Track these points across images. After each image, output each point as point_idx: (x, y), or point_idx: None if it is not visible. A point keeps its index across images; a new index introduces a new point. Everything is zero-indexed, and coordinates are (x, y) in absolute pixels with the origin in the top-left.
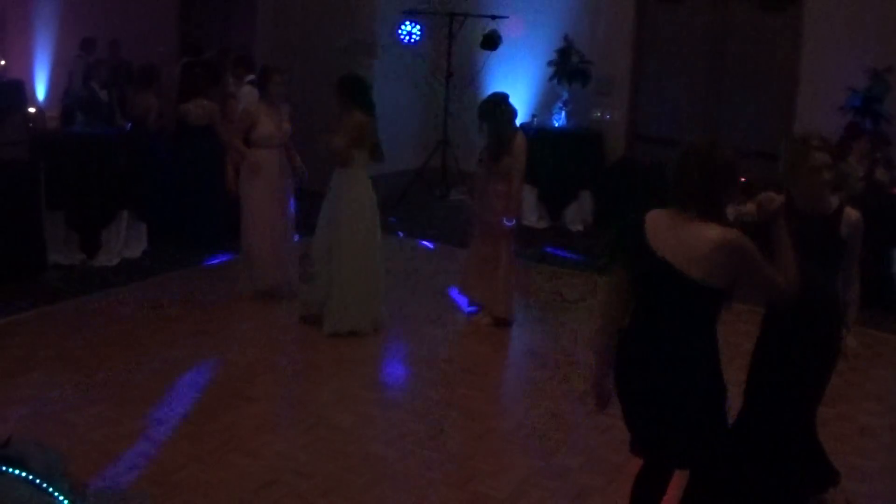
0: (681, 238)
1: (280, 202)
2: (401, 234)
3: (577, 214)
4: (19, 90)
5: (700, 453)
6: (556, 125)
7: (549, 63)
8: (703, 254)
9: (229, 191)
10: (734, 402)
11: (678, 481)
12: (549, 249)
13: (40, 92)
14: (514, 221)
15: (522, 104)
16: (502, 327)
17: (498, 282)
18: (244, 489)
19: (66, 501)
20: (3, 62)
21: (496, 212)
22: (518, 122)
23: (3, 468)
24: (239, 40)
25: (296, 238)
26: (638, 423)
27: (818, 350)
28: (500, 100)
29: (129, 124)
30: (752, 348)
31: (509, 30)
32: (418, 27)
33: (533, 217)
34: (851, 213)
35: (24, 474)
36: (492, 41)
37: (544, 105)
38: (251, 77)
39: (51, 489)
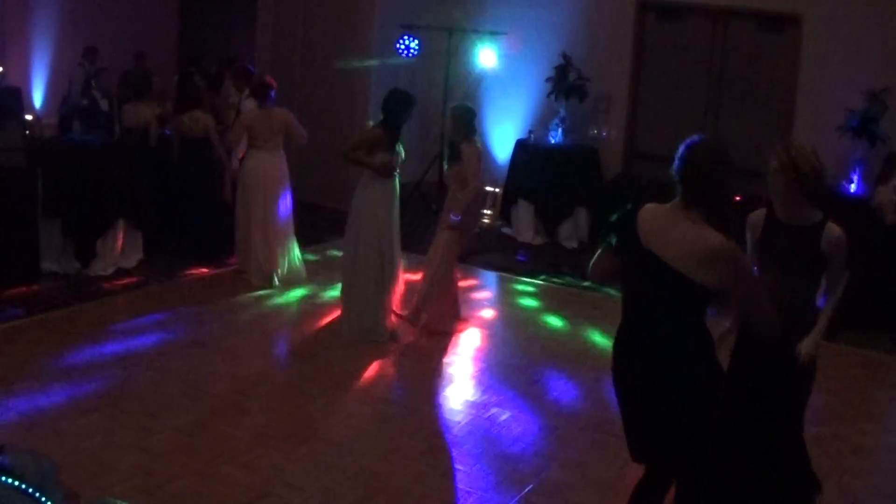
0: (677, 235)
1: None
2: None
3: (573, 231)
4: (17, 97)
5: (688, 453)
6: (553, 141)
7: (547, 79)
8: (697, 257)
9: (224, 201)
10: None
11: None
12: (542, 265)
13: (38, 99)
14: (458, 217)
15: (520, 120)
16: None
17: (425, 280)
18: (237, 501)
19: None
20: (1, 69)
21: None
22: (475, 135)
23: None
24: (238, 51)
25: None
26: (631, 422)
27: (793, 365)
28: (461, 113)
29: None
30: (728, 363)
31: (508, 46)
32: (416, 41)
33: (529, 233)
34: (833, 229)
35: (16, 483)
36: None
37: (541, 121)
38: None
39: (44, 499)
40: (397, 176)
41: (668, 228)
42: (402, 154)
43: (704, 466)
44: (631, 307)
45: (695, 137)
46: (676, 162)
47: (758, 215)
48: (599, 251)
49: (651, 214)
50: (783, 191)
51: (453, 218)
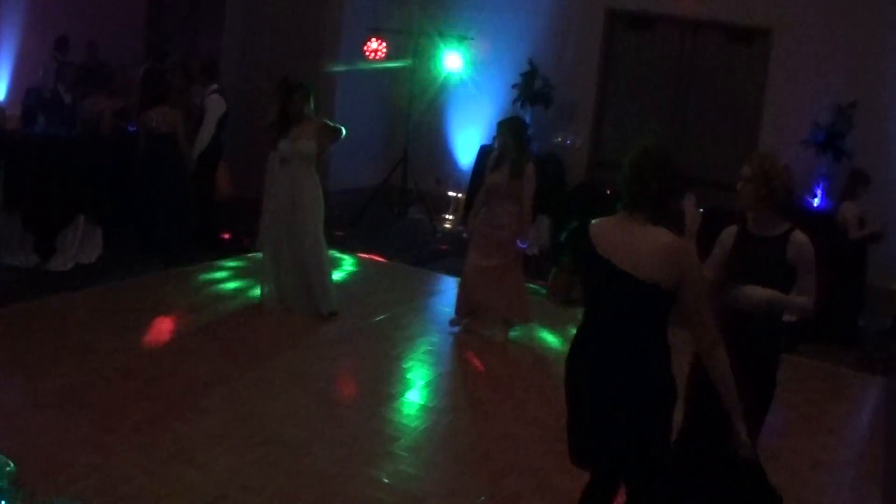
0: (630, 241)
1: None
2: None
3: (534, 238)
4: None
5: (640, 461)
6: None
7: (513, 86)
8: (652, 256)
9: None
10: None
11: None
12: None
13: (1, 91)
14: (527, 244)
15: (484, 125)
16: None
17: (514, 289)
18: (192, 502)
19: None
20: None
21: (507, 229)
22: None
23: None
24: (206, 48)
25: None
26: (582, 426)
27: (754, 374)
28: (524, 125)
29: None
30: (688, 368)
31: (475, 51)
32: (384, 44)
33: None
34: (798, 236)
35: None
36: None
37: None
38: (216, 86)
39: (2, 500)
40: (290, 165)
41: (620, 236)
42: (305, 144)
43: (653, 477)
44: (591, 315)
45: (640, 143)
46: (622, 170)
47: (730, 230)
48: (552, 273)
49: (601, 226)
50: (752, 200)
51: (521, 245)
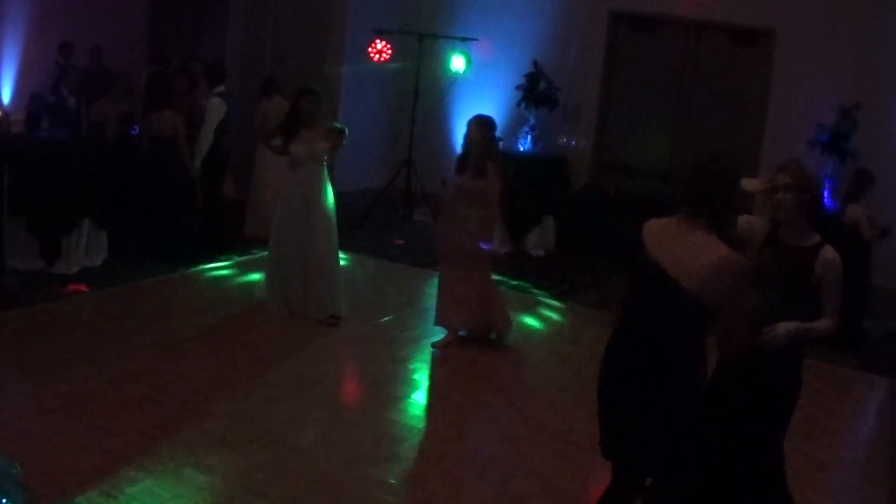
0: (685, 247)
1: None
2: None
3: (540, 239)
4: None
5: (666, 462)
6: (522, 149)
7: (518, 87)
8: (703, 268)
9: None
10: None
11: None
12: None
13: (6, 95)
14: (490, 245)
15: None
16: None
17: (494, 300)
18: None
19: None
20: None
21: (472, 235)
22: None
23: None
24: (209, 50)
25: None
26: (611, 422)
27: (775, 385)
28: (492, 123)
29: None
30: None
31: (479, 52)
32: (388, 46)
33: (495, 241)
34: (829, 252)
35: None
36: None
37: (511, 129)
38: (220, 88)
39: (5, 501)
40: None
41: (675, 240)
42: (319, 146)
43: (678, 475)
44: (631, 315)
45: (707, 150)
46: (688, 172)
47: (762, 223)
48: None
49: (657, 227)
50: (792, 209)
51: (484, 247)
